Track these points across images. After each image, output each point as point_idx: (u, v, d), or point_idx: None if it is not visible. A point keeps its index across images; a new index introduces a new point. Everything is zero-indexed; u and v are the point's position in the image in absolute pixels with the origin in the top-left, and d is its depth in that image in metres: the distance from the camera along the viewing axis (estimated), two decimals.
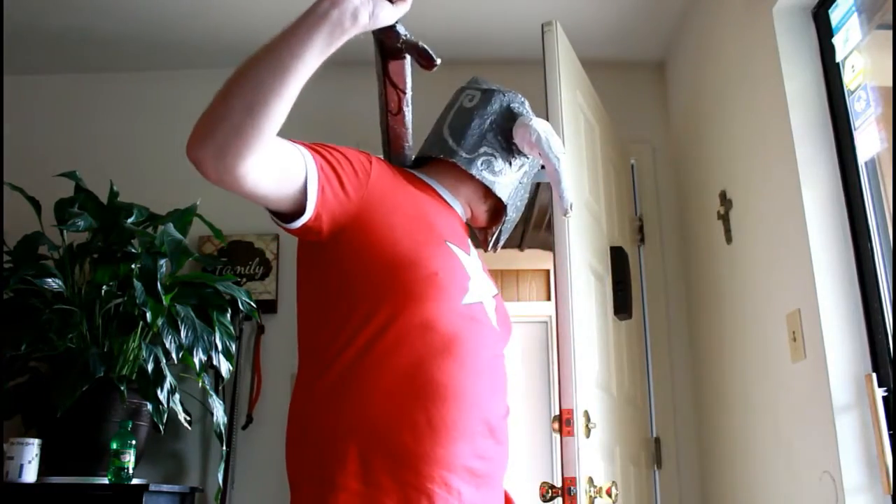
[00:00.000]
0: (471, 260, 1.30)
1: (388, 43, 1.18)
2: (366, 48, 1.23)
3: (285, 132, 1.08)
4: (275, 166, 1.06)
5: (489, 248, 1.52)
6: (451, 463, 1.14)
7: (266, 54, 1.01)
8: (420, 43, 1.15)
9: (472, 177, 1.39)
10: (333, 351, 1.18)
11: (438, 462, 1.13)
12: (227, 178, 1.01)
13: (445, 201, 1.39)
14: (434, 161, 1.43)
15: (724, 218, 2.53)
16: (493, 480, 1.24)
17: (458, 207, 1.41)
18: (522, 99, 1.49)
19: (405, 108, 1.32)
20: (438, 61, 1.13)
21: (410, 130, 1.38)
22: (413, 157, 1.47)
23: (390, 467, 1.11)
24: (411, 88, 1.30)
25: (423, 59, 1.14)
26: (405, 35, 1.16)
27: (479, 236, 1.54)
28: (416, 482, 1.11)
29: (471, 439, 1.18)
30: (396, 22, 1.13)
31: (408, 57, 1.22)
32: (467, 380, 1.19)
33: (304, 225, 1.14)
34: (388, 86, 1.27)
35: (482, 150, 1.40)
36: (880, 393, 1.77)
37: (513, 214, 1.47)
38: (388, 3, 1.08)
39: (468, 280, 1.25)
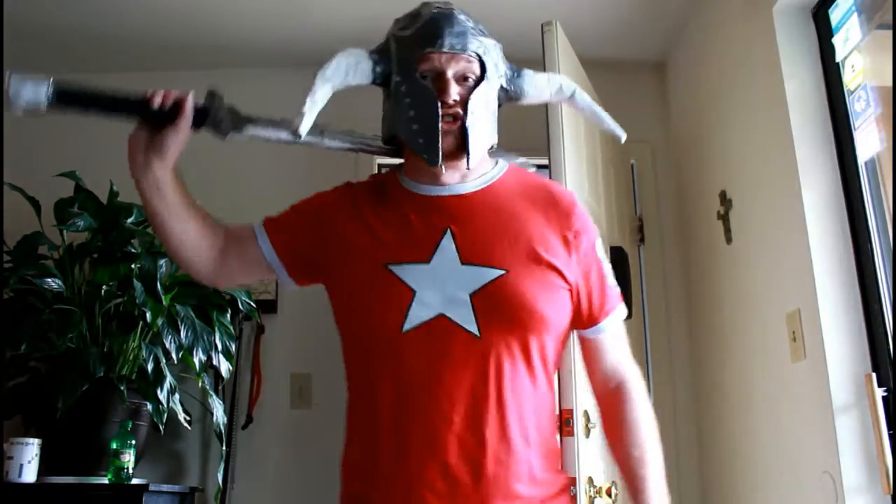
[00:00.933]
0: (426, 269, 1.15)
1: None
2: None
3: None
4: (243, 265, 1.30)
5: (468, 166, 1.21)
6: None
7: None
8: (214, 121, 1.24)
9: (393, 141, 1.28)
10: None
11: None
12: (223, 287, 1.31)
13: (413, 193, 1.24)
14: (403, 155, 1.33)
15: (724, 218, 2.53)
16: None
17: (424, 188, 1.23)
18: (400, 20, 1.27)
19: (306, 139, 1.25)
20: (226, 137, 1.25)
21: (339, 141, 1.33)
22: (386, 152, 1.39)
23: None
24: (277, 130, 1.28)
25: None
26: (210, 128, 1.24)
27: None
28: None
29: (414, 486, 1.10)
30: (201, 126, 1.22)
31: (247, 128, 1.27)
32: (405, 425, 1.11)
33: (298, 286, 1.32)
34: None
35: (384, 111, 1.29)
36: (880, 393, 1.77)
37: (416, 129, 1.19)
38: (167, 137, 1.17)
39: (410, 298, 1.13)
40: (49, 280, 2.41)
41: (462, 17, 1.22)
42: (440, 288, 1.13)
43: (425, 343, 1.12)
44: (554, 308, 1.17)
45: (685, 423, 2.81)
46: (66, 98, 1.16)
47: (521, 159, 1.41)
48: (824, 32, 2.09)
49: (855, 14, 1.95)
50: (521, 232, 1.19)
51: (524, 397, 1.14)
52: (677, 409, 2.83)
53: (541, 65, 2.25)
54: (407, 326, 1.12)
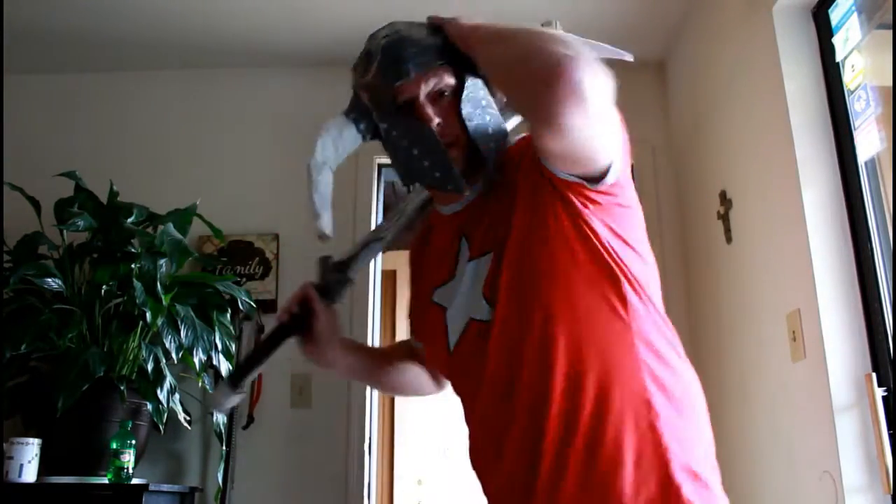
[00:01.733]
0: (453, 284, 1.17)
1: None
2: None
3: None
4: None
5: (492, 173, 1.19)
6: None
7: None
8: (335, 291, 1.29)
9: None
10: None
11: None
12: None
13: (442, 217, 1.25)
14: None
15: (724, 218, 2.53)
16: None
17: (448, 208, 1.24)
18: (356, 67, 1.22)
19: (392, 236, 1.31)
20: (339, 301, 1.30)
21: (406, 218, 1.34)
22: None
23: None
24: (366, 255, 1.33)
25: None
26: (335, 299, 1.29)
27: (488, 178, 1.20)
28: None
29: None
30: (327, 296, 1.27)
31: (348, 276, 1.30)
32: (478, 434, 1.17)
33: None
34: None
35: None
36: (880, 393, 1.77)
37: (427, 165, 1.15)
38: (319, 332, 1.26)
39: (444, 317, 1.17)
40: (49, 280, 2.41)
41: (413, 35, 1.15)
42: (464, 294, 1.15)
43: (470, 351, 1.14)
44: (555, 252, 1.07)
45: None
46: (240, 378, 1.29)
47: None
48: (824, 32, 2.09)
49: (855, 14, 1.95)
50: (512, 201, 1.11)
51: (580, 372, 1.03)
52: None
53: None
54: (451, 345, 1.16)
